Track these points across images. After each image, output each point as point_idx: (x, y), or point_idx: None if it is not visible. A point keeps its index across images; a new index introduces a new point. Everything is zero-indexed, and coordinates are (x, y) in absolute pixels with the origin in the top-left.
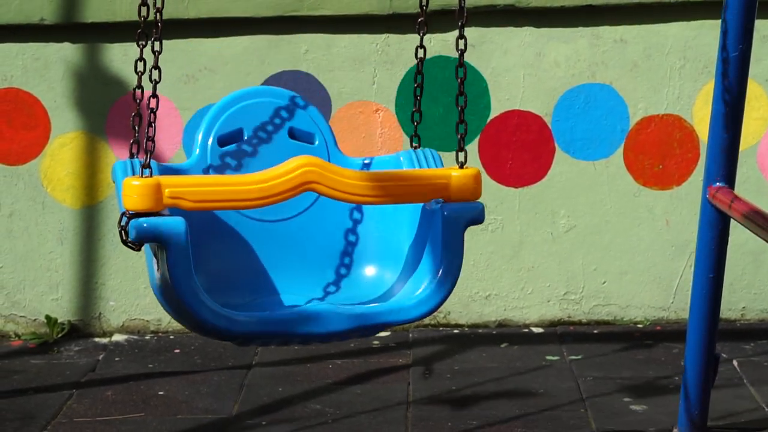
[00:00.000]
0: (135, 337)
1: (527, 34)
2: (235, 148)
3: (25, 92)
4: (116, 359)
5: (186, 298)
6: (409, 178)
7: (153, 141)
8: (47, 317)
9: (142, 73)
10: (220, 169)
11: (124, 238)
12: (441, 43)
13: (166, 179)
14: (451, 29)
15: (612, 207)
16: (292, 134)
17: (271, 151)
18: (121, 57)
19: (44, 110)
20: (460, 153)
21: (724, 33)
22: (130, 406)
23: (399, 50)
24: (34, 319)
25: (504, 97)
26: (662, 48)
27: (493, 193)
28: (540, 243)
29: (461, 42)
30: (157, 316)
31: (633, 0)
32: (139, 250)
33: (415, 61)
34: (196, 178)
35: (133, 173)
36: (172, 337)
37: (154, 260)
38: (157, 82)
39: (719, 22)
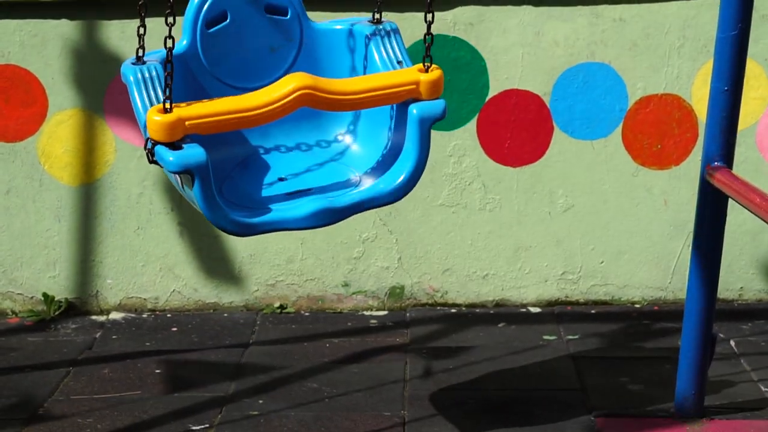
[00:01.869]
0: (132, 315)
1: (526, 12)
2: (220, 29)
3: (23, 69)
4: (113, 337)
5: (210, 213)
6: (388, 86)
7: (170, 87)
8: (44, 295)
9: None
10: (210, 50)
11: (151, 159)
12: (437, 23)
13: (185, 112)
14: (448, 8)
15: (610, 187)
16: (269, 9)
17: (253, 28)
18: (118, 34)
19: (41, 87)
20: (426, 58)
21: (723, 12)
22: (127, 384)
23: None
24: (31, 297)
25: (502, 76)
26: (661, 27)
27: (491, 173)
28: (538, 223)
29: None
30: (154, 294)
31: None
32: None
33: (412, 40)
34: (207, 107)
35: (143, 79)
36: (169, 315)
37: (177, 177)
38: (172, 25)
39: (718, 1)
